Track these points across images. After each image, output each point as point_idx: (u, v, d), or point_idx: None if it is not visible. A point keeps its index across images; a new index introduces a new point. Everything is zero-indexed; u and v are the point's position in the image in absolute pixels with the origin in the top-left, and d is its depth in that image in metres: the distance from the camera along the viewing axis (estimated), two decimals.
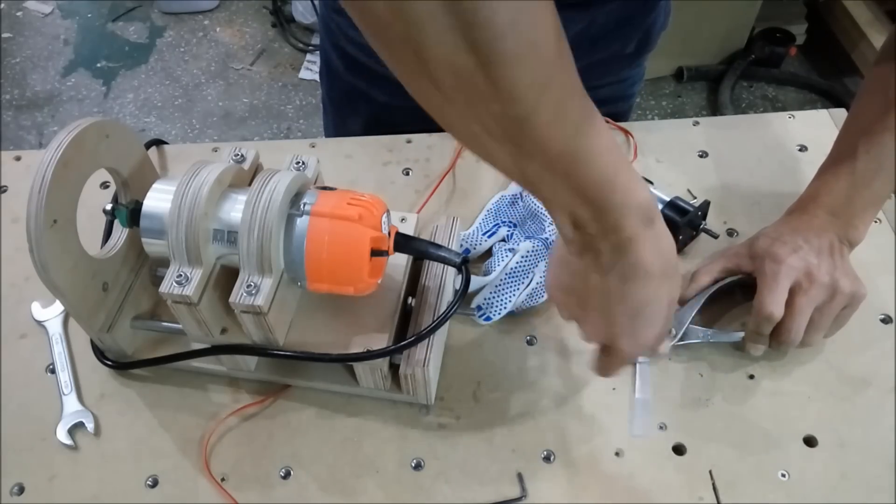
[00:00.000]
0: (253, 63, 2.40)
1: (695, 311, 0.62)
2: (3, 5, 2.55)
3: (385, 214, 0.53)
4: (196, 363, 0.60)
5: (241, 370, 0.60)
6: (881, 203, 0.63)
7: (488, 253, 0.68)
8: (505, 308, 0.63)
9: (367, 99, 0.84)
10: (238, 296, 0.50)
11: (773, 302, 0.58)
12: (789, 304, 0.58)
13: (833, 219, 0.61)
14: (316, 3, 2.29)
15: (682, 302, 0.63)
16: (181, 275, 0.51)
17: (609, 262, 0.44)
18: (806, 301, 0.58)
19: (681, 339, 0.62)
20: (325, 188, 0.56)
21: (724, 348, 0.63)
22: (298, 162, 0.58)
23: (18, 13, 2.55)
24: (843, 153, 0.63)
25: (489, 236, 0.69)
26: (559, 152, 0.38)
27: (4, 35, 2.46)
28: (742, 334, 0.62)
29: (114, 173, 0.57)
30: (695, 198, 0.73)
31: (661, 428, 0.59)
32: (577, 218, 0.42)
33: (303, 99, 2.29)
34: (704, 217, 0.69)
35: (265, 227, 0.50)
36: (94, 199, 0.69)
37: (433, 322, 0.54)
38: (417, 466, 0.57)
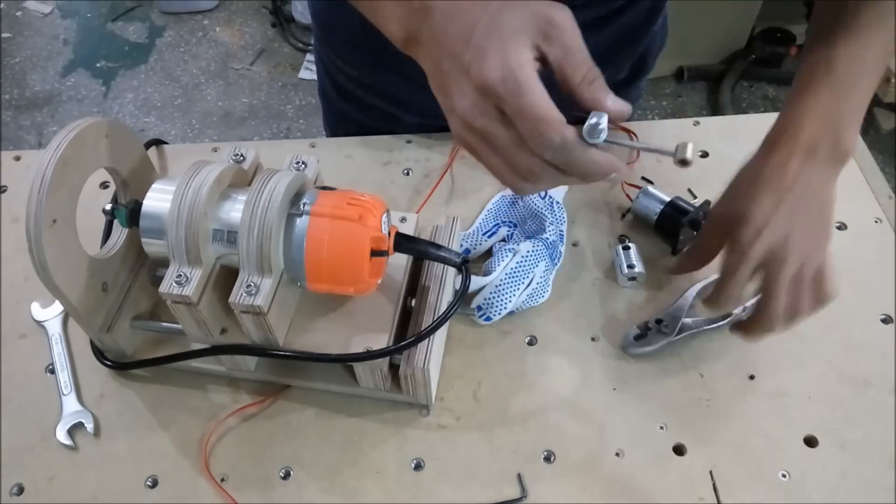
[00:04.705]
0: (252, 63, 2.40)
1: (689, 305, 0.62)
2: (2, 5, 2.55)
3: (385, 214, 0.53)
4: (196, 363, 0.60)
5: (240, 370, 0.60)
6: (867, 99, 0.56)
7: (488, 253, 0.68)
8: (505, 308, 0.63)
9: (357, 124, 0.87)
10: (238, 296, 0.50)
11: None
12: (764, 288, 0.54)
13: (810, 157, 0.54)
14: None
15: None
16: (181, 275, 0.51)
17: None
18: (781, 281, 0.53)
19: (677, 334, 0.62)
20: (325, 188, 0.56)
21: (724, 348, 0.63)
22: (298, 162, 0.58)
23: (18, 13, 2.55)
24: (812, 74, 0.56)
25: (489, 236, 0.69)
26: None
27: (4, 35, 2.46)
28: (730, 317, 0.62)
29: (113, 173, 0.57)
30: (695, 198, 0.73)
31: (661, 428, 0.59)
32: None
33: (302, 99, 2.29)
34: (705, 217, 0.69)
35: (265, 227, 0.50)
36: (94, 199, 0.69)
37: (433, 322, 0.53)
38: (417, 467, 0.57)
